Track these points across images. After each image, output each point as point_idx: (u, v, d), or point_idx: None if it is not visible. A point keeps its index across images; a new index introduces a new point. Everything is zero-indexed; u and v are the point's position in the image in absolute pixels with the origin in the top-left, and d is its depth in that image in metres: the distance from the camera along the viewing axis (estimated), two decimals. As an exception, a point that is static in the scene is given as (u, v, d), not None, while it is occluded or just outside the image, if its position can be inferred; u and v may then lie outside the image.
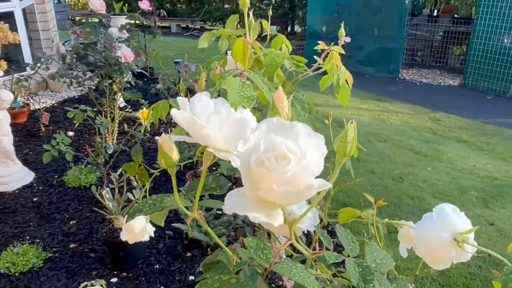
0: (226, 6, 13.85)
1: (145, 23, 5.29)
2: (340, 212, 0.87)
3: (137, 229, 0.96)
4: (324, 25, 8.18)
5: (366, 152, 4.19)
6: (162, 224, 0.66)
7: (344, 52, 1.04)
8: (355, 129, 0.49)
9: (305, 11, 10.56)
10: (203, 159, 0.45)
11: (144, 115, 2.86)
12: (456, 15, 8.19)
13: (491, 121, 5.67)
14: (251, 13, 0.81)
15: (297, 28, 13.11)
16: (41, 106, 4.29)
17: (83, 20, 4.03)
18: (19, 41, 2.95)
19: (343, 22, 1.24)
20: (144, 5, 3.97)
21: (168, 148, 0.41)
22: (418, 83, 7.60)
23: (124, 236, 1.01)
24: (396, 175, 3.75)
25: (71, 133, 4.15)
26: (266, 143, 0.35)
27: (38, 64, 3.98)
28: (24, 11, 5.46)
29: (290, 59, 0.94)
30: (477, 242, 2.32)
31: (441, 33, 8.54)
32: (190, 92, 4.82)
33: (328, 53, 1.01)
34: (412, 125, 5.25)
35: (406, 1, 7.36)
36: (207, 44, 1.16)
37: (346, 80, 1.06)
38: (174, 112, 0.43)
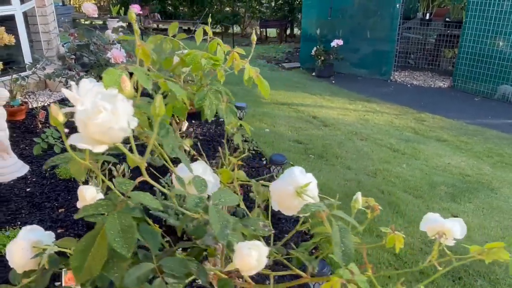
0: (227, 9, 14.11)
1: (141, 25, 5.54)
2: (220, 173, 1.07)
3: (88, 198, 1.16)
4: (318, 28, 8.38)
5: (345, 149, 4.39)
6: (83, 178, 0.88)
7: (244, 53, 1.24)
8: (161, 99, 0.68)
9: (303, 14, 10.77)
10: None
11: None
12: (448, 19, 8.36)
13: (476, 122, 5.85)
14: (136, 24, 1.02)
15: (296, 31, 13.32)
16: (39, 105, 4.54)
17: (86, 22, 4.29)
18: (14, 42, 3.18)
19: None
20: (135, 9, 4.20)
21: (55, 113, 0.62)
22: (409, 85, 7.78)
23: (79, 204, 1.22)
24: (371, 171, 3.95)
25: (66, 130, 4.40)
26: (92, 103, 0.57)
27: (37, 65, 4.23)
28: (25, 14, 5.73)
29: (209, 58, 1.16)
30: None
31: (434, 36, 8.72)
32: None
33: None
34: (395, 125, 5.44)
35: (397, 5, 7.54)
36: (153, 46, 1.38)
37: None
38: (64, 90, 0.64)
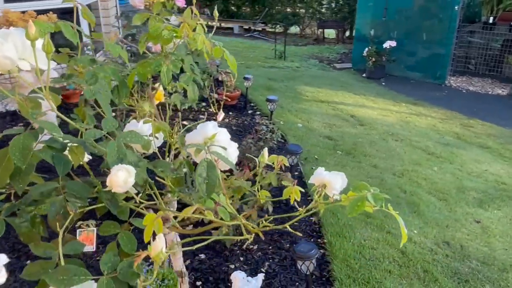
0: (288, 9, 14.19)
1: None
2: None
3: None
4: (373, 28, 8.23)
5: (376, 148, 4.33)
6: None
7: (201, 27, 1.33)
8: (49, 40, 0.79)
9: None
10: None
11: (158, 95, 3.29)
12: (513, 23, 7.87)
13: (531, 131, 5.49)
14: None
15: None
16: (90, 89, 4.93)
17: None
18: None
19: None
20: (180, 3, 4.43)
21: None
22: (464, 91, 7.44)
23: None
24: (398, 171, 3.87)
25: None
26: None
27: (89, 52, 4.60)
28: (89, 6, 6.22)
29: (172, 30, 1.29)
30: (455, 235, 2.62)
31: (499, 42, 8.23)
32: (217, 80, 5.26)
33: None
34: (438, 129, 5.25)
35: (456, 7, 7.24)
36: (139, 23, 1.53)
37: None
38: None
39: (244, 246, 2.23)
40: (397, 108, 6.00)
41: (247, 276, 2.32)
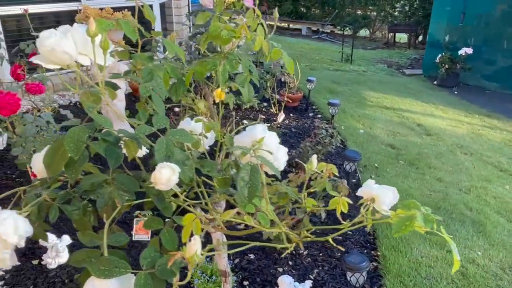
0: (359, 12, 13.88)
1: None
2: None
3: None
4: (448, 34, 7.83)
5: (442, 161, 4.10)
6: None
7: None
8: (106, 38, 0.81)
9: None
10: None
11: (218, 94, 3.34)
12: None
13: None
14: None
15: (429, 38, 12.54)
16: (158, 84, 5.14)
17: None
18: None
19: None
20: (247, 3, 4.47)
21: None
22: (548, 105, 6.84)
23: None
24: (465, 187, 3.64)
25: (177, 109, 4.91)
26: (49, 32, 0.74)
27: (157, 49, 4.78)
28: (163, 5, 6.49)
29: (231, 31, 1.29)
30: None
31: None
32: (280, 81, 5.24)
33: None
34: (513, 144, 4.87)
35: (544, 13, 6.68)
36: (203, 22, 1.56)
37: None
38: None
39: (285, 253, 2.19)
40: (469, 120, 5.64)
41: (294, 281, 2.29)
